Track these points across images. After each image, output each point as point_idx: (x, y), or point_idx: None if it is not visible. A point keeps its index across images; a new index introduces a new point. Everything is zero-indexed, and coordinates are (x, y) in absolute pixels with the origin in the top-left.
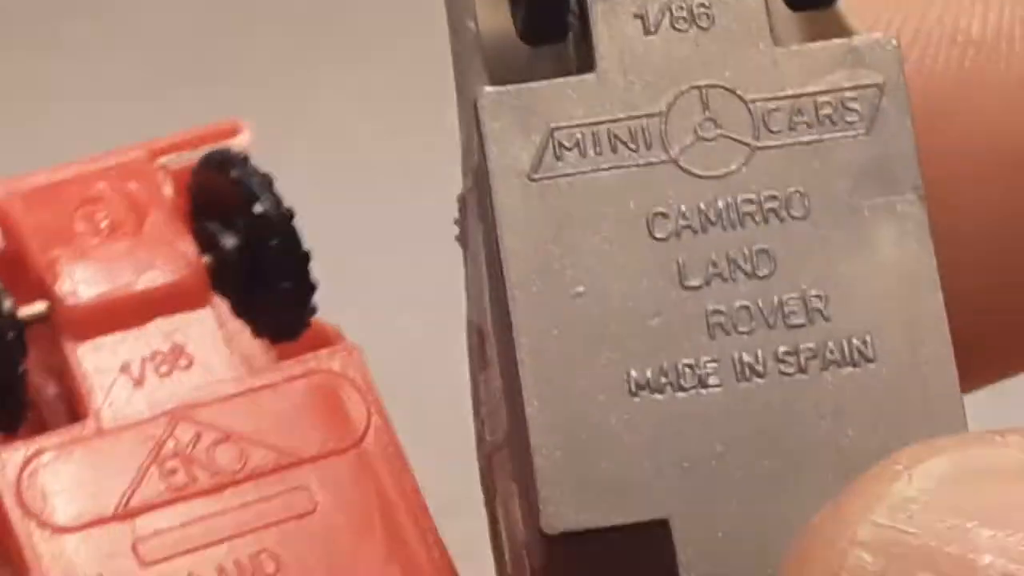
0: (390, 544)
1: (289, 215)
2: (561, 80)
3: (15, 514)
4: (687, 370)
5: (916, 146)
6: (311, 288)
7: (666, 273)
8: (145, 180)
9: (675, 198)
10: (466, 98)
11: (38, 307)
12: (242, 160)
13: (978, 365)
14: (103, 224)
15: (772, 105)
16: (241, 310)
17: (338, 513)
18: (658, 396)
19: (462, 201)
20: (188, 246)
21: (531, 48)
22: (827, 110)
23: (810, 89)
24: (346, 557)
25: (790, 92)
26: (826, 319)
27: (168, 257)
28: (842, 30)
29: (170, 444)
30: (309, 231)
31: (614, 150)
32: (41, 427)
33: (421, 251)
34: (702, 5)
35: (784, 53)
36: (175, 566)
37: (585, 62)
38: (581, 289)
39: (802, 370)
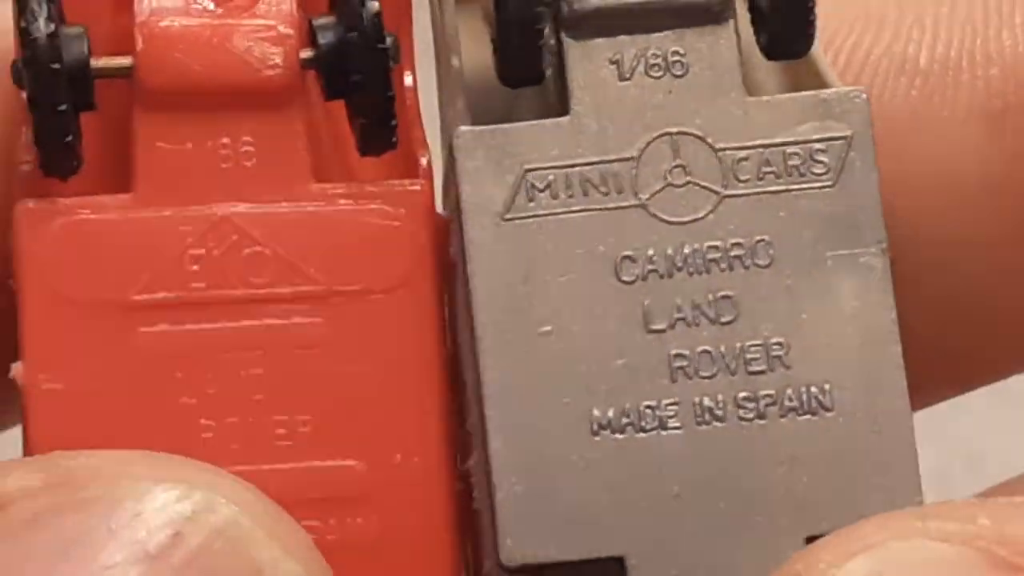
0: (386, 402)
1: (382, 54)
2: (536, 122)
3: (28, 271)
4: (648, 412)
5: (881, 199)
6: (390, 127)
7: (632, 316)
8: None
9: (643, 243)
10: (446, 133)
11: (121, 62)
12: None
13: (930, 384)
14: None
15: (741, 154)
16: (347, 114)
17: (345, 355)
18: (619, 436)
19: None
20: (292, 37)
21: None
22: (795, 161)
23: (779, 140)
24: (337, 402)
25: (759, 142)
26: (786, 367)
27: (268, 46)
28: (816, 77)
29: (202, 241)
30: None
31: (585, 193)
32: (103, 182)
33: None
34: (676, 53)
35: (755, 103)
36: (167, 366)
37: (562, 100)
38: (548, 328)
39: (761, 416)
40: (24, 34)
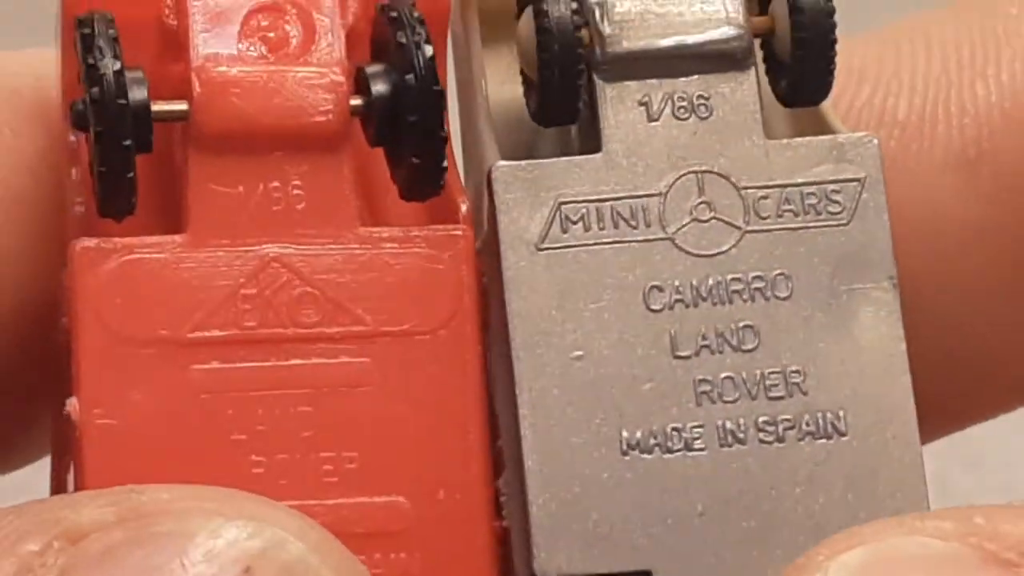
0: (431, 440)
1: (437, 96)
2: (570, 159)
3: (83, 308)
4: (675, 433)
5: (892, 237)
6: (441, 169)
7: (659, 343)
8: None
9: (670, 273)
10: (474, 167)
11: (178, 106)
12: (415, 22)
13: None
14: (271, 35)
15: (762, 193)
16: (387, 158)
17: (392, 394)
18: (647, 456)
19: None
20: (342, 85)
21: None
22: (812, 200)
23: (798, 180)
24: (383, 439)
25: (779, 182)
26: (803, 393)
27: (319, 92)
28: (822, 122)
29: (254, 282)
30: None
31: (616, 226)
32: (155, 223)
33: None
34: (701, 96)
35: (775, 145)
36: (218, 403)
37: (591, 143)
38: (580, 353)
39: (780, 439)
40: (92, 71)
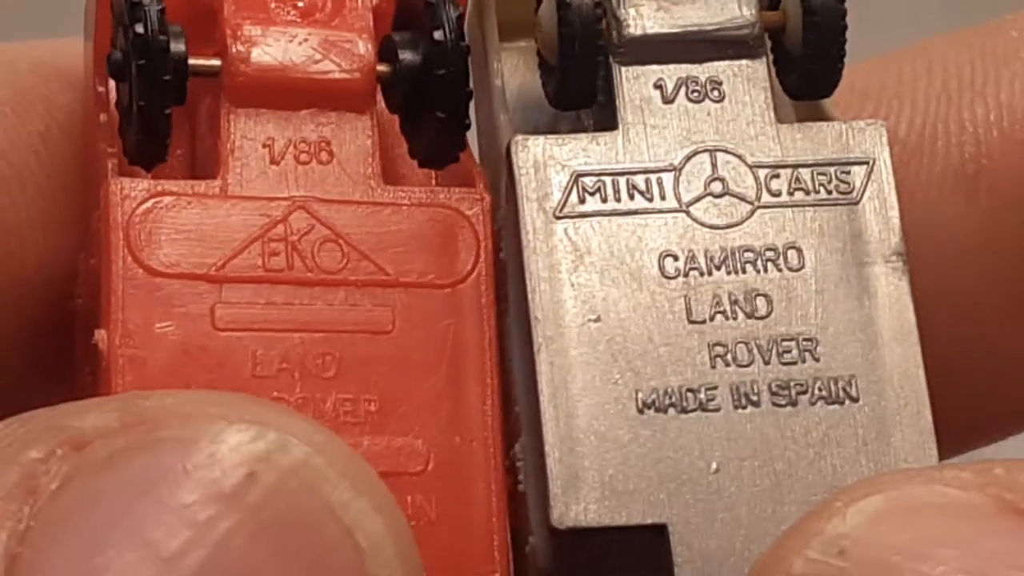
0: (448, 388)
1: (465, 51)
2: (586, 134)
3: (116, 241)
4: (690, 394)
5: (901, 215)
6: (464, 124)
7: (674, 308)
8: None
9: (684, 243)
10: (490, 152)
11: (212, 61)
12: None
13: None
14: (300, 3)
15: (774, 171)
16: (404, 128)
17: (411, 341)
18: (662, 415)
19: None
20: (369, 49)
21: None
22: (823, 179)
23: (808, 160)
24: (402, 384)
25: (790, 161)
26: (816, 359)
27: (347, 54)
28: (823, 116)
29: (281, 227)
30: None
31: (632, 197)
32: (180, 174)
33: None
34: (714, 80)
35: (785, 128)
36: (243, 340)
37: (604, 123)
38: (597, 316)
39: (792, 403)
40: (136, 8)
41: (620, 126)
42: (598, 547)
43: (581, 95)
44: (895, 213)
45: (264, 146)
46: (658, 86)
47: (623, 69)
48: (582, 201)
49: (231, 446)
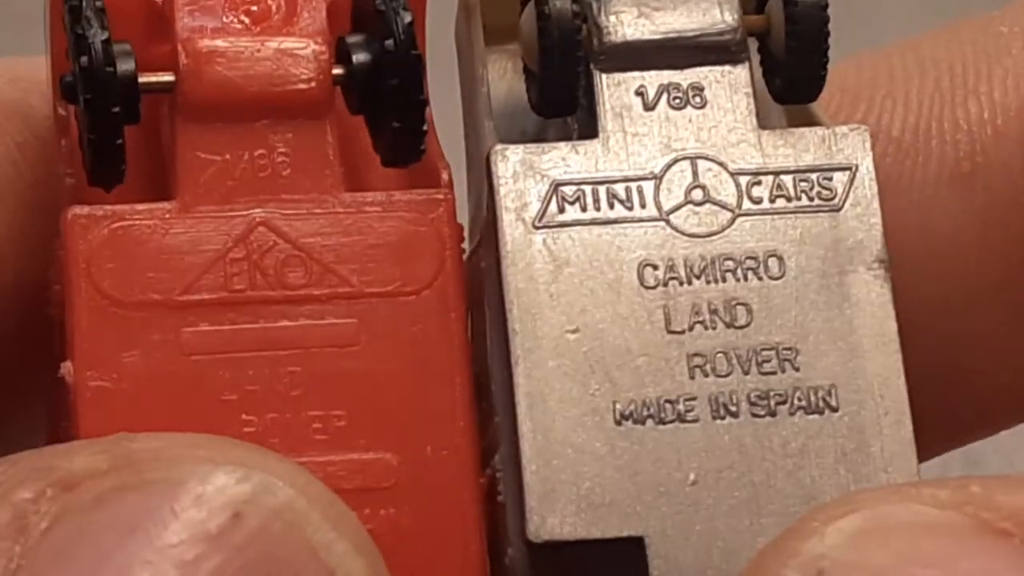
0: (416, 396)
1: (415, 59)
2: (567, 143)
3: (76, 274)
4: (668, 405)
5: (883, 223)
6: (421, 132)
7: (653, 318)
8: None
9: (664, 252)
10: (475, 158)
11: (164, 77)
12: None
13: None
14: (253, 8)
15: (755, 178)
16: (367, 125)
17: (378, 352)
18: (640, 426)
19: (468, 260)
20: (324, 54)
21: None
22: (804, 186)
23: (790, 167)
24: (371, 397)
25: (772, 168)
26: (795, 369)
27: (301, 61)
28: (810, 119)
29: (242, 247)
30: None
31: (611, 206)
32: (144, 191)
33: None
34: (696, 87)
35: (768, 134)
36: (209, 364)
37: (588, 130)
38: (575, 327)
39: (772, 413)
40: (80, 40)
41: (601, 134)
42: (576, 560)
43: (562, 103)
44: (877, 220)
45: (221, 162)
46: (639, 93)
47: (604, 76)
48: (561, 211)
49: (217, 488)
